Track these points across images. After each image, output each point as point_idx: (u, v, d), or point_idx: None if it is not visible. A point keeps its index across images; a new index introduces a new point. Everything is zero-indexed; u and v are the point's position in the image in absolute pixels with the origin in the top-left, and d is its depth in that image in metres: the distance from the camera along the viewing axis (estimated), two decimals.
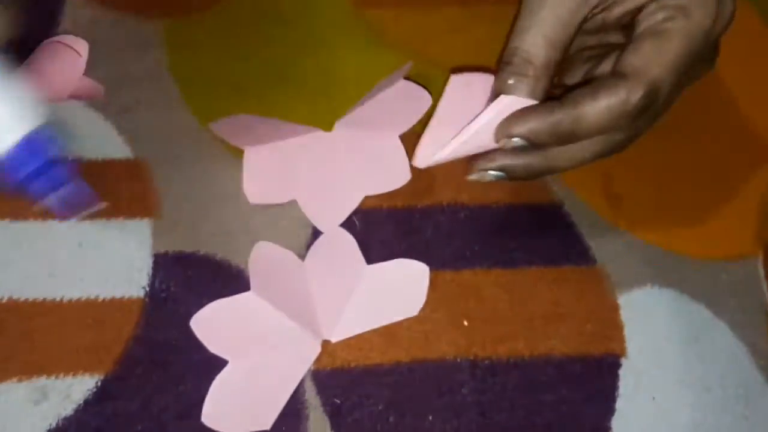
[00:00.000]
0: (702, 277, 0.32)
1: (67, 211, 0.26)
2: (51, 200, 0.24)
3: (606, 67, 0.29)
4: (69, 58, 0.31)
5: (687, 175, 0.34)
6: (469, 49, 0.35)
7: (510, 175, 0.29)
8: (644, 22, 0.27)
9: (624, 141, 0.28)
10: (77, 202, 0.24)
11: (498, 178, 0.29)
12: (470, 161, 0.29)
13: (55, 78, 0.31)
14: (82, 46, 0.32)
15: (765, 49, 0.38)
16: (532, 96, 0.27)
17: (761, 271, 0.32)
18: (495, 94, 0.27)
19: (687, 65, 0.27)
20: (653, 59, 0.26)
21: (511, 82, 0.26)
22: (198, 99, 0.33)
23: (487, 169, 0.28)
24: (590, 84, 0.27)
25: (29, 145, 0.23)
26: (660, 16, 0.27)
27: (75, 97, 0.31)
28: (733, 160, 0.35)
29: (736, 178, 0.34)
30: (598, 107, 0.26)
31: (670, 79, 0.26)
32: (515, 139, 0.27)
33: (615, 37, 0.30)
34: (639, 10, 0.27)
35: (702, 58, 0.27)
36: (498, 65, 0.27)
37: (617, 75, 0.27)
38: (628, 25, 0.28)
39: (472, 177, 0.29)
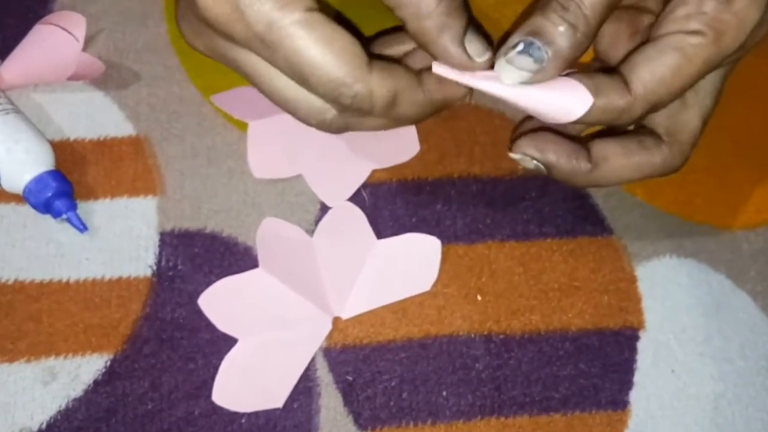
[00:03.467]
0: (722, 246, 0.31)
1: (81, 225, 0.29)
2: (66, 218, 0.29)
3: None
4: (65, 41, 0.30)
5: (706, 143, 0.33)
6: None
7: (551, 174, 0.27)
8: (672, 24, 0.25)
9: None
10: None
11: (538, 170, 0.27)
12: (514, 138, 0.27)
13: (51, 62, 0.30)
14: (80, 21, 0.31)
15: None
16: (578, 51, 0.24)
17: None
18: (529, 32, 0.24)
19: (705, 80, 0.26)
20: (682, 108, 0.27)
21: (562, 29, 0.24)
22: (201, 71, 0.32)
23: (531, 157, 0.27)
24: (621, 139, 0.27)
25: (40, 181, 0.28)
26: (692, 25, 0.25)
27: (75, 78, 0.31)
28: (753, 127, 0.33)
29: (756, 146, 0.33)
30: (628, 164, 0.27)
31: (701, 126, 0.27)
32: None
33: (650, 1, 0.29)
34: None
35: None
36: (541, 5, 0.25)
37: (649, 135, 0.27)
38: None
39: (514, 156, 0.27)
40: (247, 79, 0.27)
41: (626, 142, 0.27)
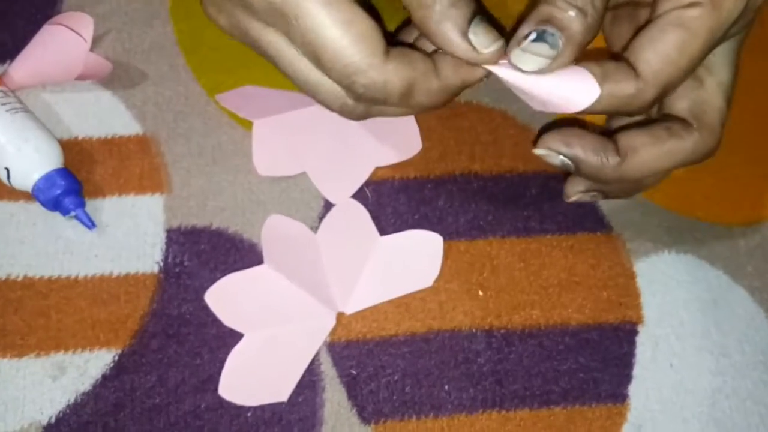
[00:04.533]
0: (720, 242, 0.31)
1: (89, 223, 0.29)
2: (74, 216, 0.29)
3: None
4: (73, 41, 0.31)
5: None
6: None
7: (579, 170, 0.26)
8: (669, 2, 0.24)
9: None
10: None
11: (564, 166, 0.26)
12: (541, 135, 0.26)
13: (59, 62, 0.31)
14: (87, 22, 0.31)
15: None
16: (590, 34, 0.24)
17: None
18: (539, 21, 0.24)
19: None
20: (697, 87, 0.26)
21: (572, 14, 0.23)
22: (206, 71, 0.32)
23: (558, 152, 0.26)
24: (649, 128, 0.26)
25: (49, 179, 0.28)
26: None
27: (82, 78, 0.31)
28: (750, 125, 0.33)
29: (754, 143, 0.33)
30: (659, 153, 0.25)
31: (725, 102, 0.26)
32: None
33: None
34: None
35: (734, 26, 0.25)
36: None
37: (677, 121, 0.26)
38: None
39: (540, 151, 0.26)
40: (269, 59, 0.26)
41: (654, 130, 0.26)
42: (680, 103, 0.26)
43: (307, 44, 0.24)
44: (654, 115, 0.28)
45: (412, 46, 0.28)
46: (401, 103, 0.25)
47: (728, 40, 0.26)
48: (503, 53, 0.25)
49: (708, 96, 0.26)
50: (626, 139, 0.26)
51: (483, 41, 0.24)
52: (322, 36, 0.23)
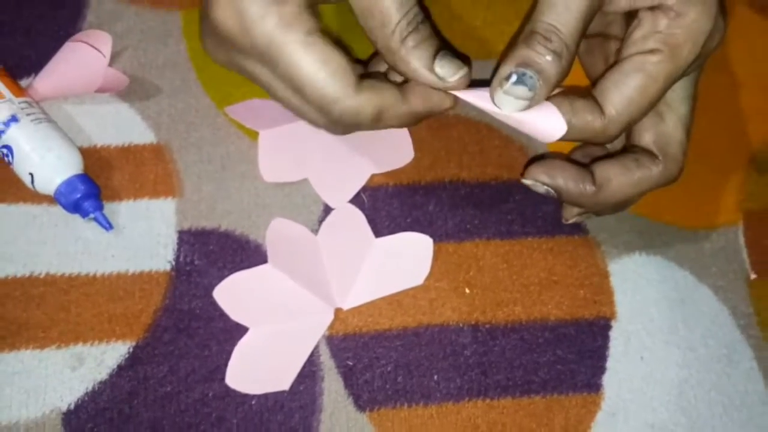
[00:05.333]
0: (687, 245, 0.32)
1: (107, 224, 0.30)
2: (93, 218, 0.29)
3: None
4: (93, 57, 0.31)
5: None
6: (468, 34, 0.35)
7: (561, 197, 0.28)
8: (633, 46, 0.26)
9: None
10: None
11: (548, 194, 0.28)
12: (529, 166, 0.28)
13: (80, 76, 0.31)
14: (106, 40, 0.32)
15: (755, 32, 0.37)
16: (563, 75, 0.25)
17: (741, 239, 0.32)
18: (519, 63, 0.25)
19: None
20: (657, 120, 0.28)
21: (549, 58, 0.25)
22: (216, 85, 0.33)
23: (542, 182, 0.28)
24: (620, 160, 0.28)
25: (70, 184, 0.29)
26: (649, 44, 0.26)
27: (101, 90, 0.32)
28: (715, 137, 0.34)
29: (718, 154, 0.34)
30: (629, 181, 0.27)
31: (685, 133, 0.28)
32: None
33: (614, 27, 0.30)
34: (635, 14, 0.27)
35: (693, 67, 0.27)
36: (524, 39, 0.25)
37: (644, 153, 0.27)
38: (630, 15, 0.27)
39: (526, 182, 0.28)
40: (261, 87, 0.28)
41: (625, 162, 0.27)
42: (646, 137, 0.28)
43: (290, 80, 0.26)
44: (618, 146, 0.30)
45: (386, 74, 0.29)
46: (373, 126, 0.27)
47: (686, 76, 0.27)
48: (469, 79, 0.26)
49: (669, 130, 0.28)
50: (601, 171, 0.28)
51: (448, 72, 0.26)
52: (302, 73, 0.25)
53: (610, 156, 0.29)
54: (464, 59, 0.27)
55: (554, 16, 0.25)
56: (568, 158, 0.30)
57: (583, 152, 0.31)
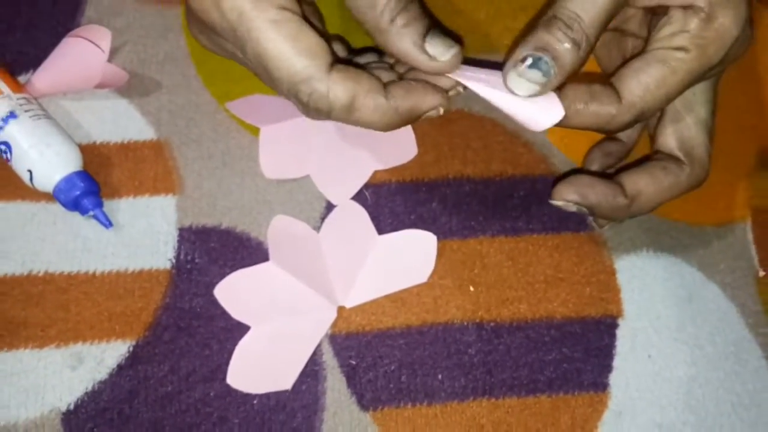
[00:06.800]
0: (695, 242, 0.31)
1: (106, 222, 0.29)
2: (93, 215, 0.29)
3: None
4: (92, 52, 0.31)
5: None
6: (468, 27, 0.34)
7: (593, 213, 0.28)
8: (659, 42, 0.26)
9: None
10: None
11: (581, 212, 0.28)
12: (557, 186, 0.28)
13: (79, 72, 0.31)
14: (105, 35, 0.31)
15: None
16: (579, 65, 0.25)
17: (750, 236, 0.32)
18: (536, 47, 0.24)
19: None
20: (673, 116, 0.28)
21: (568, 46, 0.24)
22: (216, 81, 0.32)
23: (574, 202, 0.27)
24: (647, 169, 0.28)
25: (69, 181, 0.29)
26: (677, 41, 0.25)
27: (101, 86, 0.31)
28: (724, 134, 0.33)
29: (727, 151, 0.33)
30: (660, 190, 0.27)
31: (707, 136, 0.28)
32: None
33: (632, 24, 0.30)
34: (665, 10, 0.26)
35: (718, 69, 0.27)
36: (544, 23, 0.25)
37: (670, 159, 0.28)
38: (654, 13, 0.27)
39: (557, 203, 0.28)
40: (248, 69, 0.27)
41: (653, 170, 0.27)
42: (670, 142, 0.28)
43: (257, 57, 0.24)
44: (635, 137, 0.30)
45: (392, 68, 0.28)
46: (344, 116, 0.25)
47: (706, 80, 0.27)
48: (460, 57, 0.25)
49: (693, 134, 0.28)
50: (631, 182, 0.28)
51: (439, 50, 0.25)
52: (269, 49, 0.24)
53: (635, 165, 0.28)
54: (456, 38, 0.26)
55: (579, 4, 0.24)
56: (589, 171, 0.29)
57: (600, 150, 0.30)
